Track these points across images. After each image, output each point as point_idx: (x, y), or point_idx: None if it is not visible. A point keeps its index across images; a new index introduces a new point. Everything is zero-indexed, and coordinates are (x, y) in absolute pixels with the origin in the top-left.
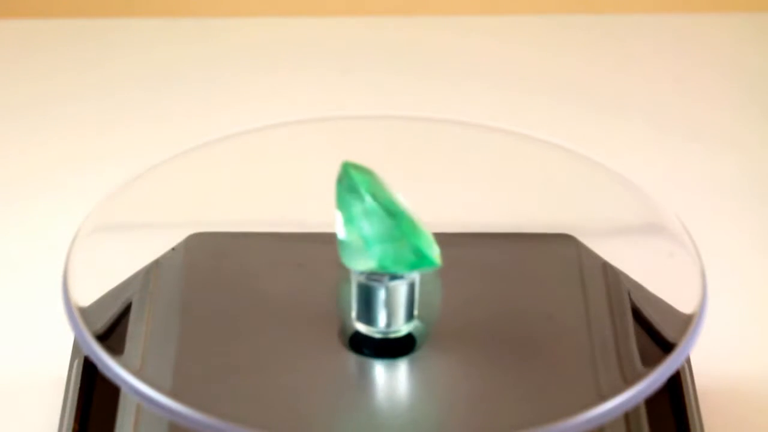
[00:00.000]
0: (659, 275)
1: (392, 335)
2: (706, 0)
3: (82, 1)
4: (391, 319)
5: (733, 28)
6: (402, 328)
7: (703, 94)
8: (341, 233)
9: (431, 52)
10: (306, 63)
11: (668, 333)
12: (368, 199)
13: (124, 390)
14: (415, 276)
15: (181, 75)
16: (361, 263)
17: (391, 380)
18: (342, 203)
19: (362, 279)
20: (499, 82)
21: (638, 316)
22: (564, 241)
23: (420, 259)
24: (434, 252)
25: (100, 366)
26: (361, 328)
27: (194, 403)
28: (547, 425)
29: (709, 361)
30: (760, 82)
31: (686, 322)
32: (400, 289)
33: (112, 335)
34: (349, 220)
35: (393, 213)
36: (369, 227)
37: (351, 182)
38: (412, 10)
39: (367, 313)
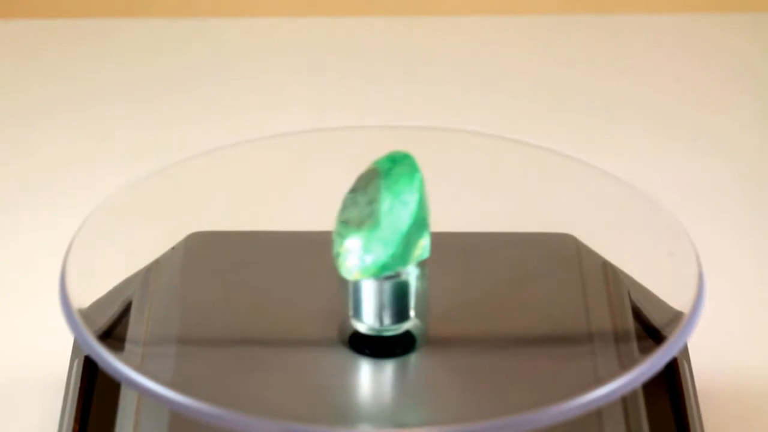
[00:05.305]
0: (659, 275)
1: (391, 334)
2: (706, 0)
3: (82, 1)
4: (390, 317)
5: (733, 28)
6: (401, 326)
7: (703, 94)
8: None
9: (431, 52)
10: (306, 63)
11: (668, 332)
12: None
13: (125, 386)
14: (413, 274)
15: (181, 75)
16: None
17: (391, 379)
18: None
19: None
20: (498, 81)
21: (638, 315)
22: (564, 240)
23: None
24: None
25: (101, 363)
26: (360, 326)
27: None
28: (543, 407)
29: (709, 360)
30: (760, 83)
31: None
32: (398, 287)
33: (112, 335)
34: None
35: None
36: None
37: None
38: (412, 10)
39: (366, 311)
